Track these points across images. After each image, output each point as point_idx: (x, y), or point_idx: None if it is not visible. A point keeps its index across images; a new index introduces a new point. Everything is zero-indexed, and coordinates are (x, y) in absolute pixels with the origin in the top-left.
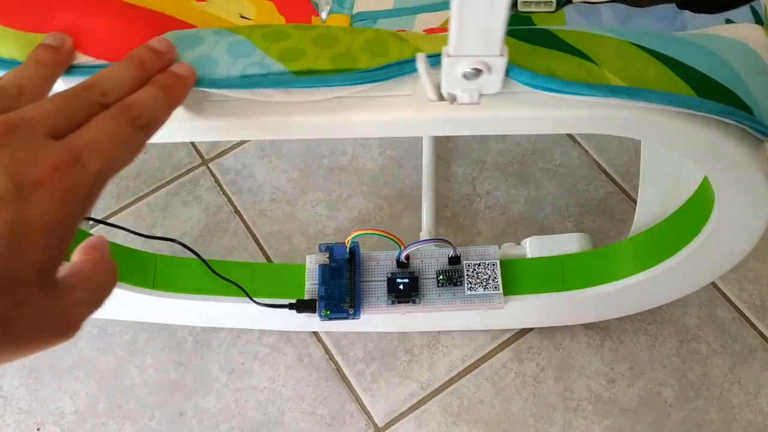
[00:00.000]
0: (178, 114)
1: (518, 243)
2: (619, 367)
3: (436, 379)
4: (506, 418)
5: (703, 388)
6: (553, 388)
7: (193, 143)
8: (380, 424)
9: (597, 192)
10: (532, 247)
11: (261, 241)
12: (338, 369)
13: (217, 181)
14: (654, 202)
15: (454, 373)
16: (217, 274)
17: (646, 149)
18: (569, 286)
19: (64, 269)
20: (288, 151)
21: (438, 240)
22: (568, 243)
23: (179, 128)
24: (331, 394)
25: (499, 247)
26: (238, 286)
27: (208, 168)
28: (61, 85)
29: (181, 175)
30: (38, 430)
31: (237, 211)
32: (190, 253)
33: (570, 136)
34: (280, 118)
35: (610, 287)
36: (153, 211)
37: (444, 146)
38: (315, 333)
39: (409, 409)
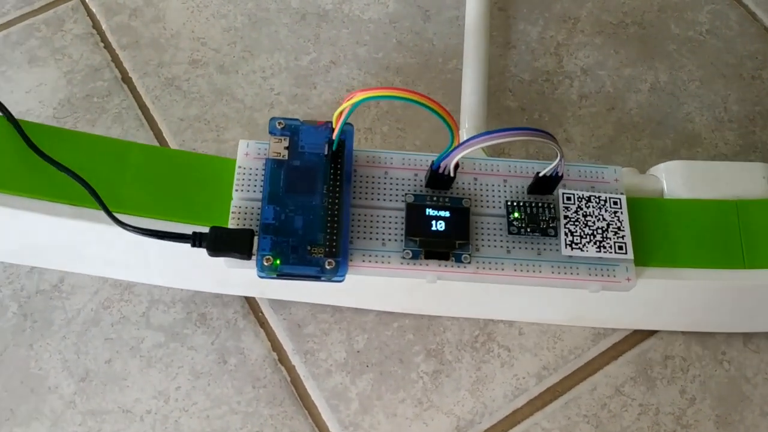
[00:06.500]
0: None
1: (643, 170)
2: None
3: (487, 411)
4: None
5: None
6: None
7: None
8: None
9: None
10: (675, 178)
11: (165, 132)
12: (294, 382)
13: (96, 24)
14: None
15: (523, 401)
16: (39, 152)
17: None
18: (754, 259)
19: None
20: None
21: (536, 132)
22: (744, 177)
23: None
24: None
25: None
26: (84, 184)
27: (83, 3)
28: None
29: (34, 12)
30: None
31: (127, 78)
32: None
33: None
34: None
35: None
36: None
37: None
38: (252, 303)
39: None
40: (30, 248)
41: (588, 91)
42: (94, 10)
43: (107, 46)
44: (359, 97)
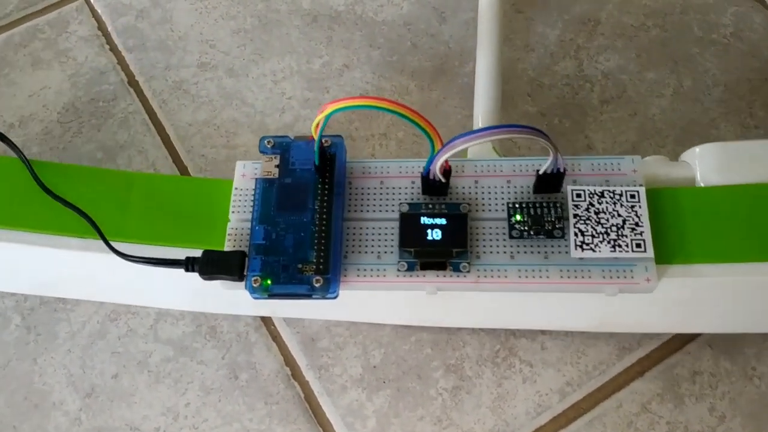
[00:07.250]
0: None
1: (673, 158)
2: None
3: (509, 429)
4: None
5: None
6: None
7: None
8: None
9: None
10: (709, 162)
11: (173, 139)
12: (308, 398)
13: (101, 26)
14: None
15: (547, 418)
16: (46, 189)
17: None
18: None
19: None
20: None
21: (521, 128)
22: None
23: None
24: None
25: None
26: (85, 216)
27: (88, 3)
28: None
29: (37, 14)
30: None
31: (133, 82)
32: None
33: None
34: None
35: None
36: None
37: None
38: (264, 316)
39: None
40: (43, 280)
41: (609, 96)
42: (99, 11)
43: (113, 49)
44: (330, 109)
